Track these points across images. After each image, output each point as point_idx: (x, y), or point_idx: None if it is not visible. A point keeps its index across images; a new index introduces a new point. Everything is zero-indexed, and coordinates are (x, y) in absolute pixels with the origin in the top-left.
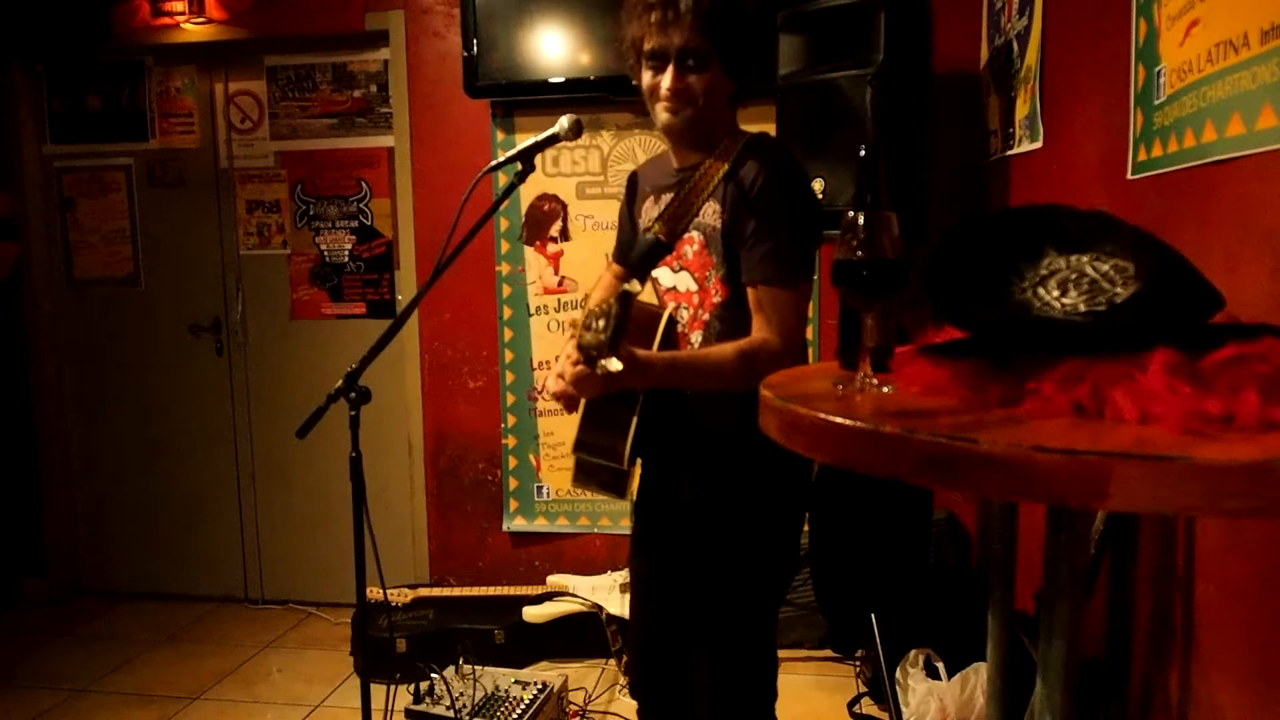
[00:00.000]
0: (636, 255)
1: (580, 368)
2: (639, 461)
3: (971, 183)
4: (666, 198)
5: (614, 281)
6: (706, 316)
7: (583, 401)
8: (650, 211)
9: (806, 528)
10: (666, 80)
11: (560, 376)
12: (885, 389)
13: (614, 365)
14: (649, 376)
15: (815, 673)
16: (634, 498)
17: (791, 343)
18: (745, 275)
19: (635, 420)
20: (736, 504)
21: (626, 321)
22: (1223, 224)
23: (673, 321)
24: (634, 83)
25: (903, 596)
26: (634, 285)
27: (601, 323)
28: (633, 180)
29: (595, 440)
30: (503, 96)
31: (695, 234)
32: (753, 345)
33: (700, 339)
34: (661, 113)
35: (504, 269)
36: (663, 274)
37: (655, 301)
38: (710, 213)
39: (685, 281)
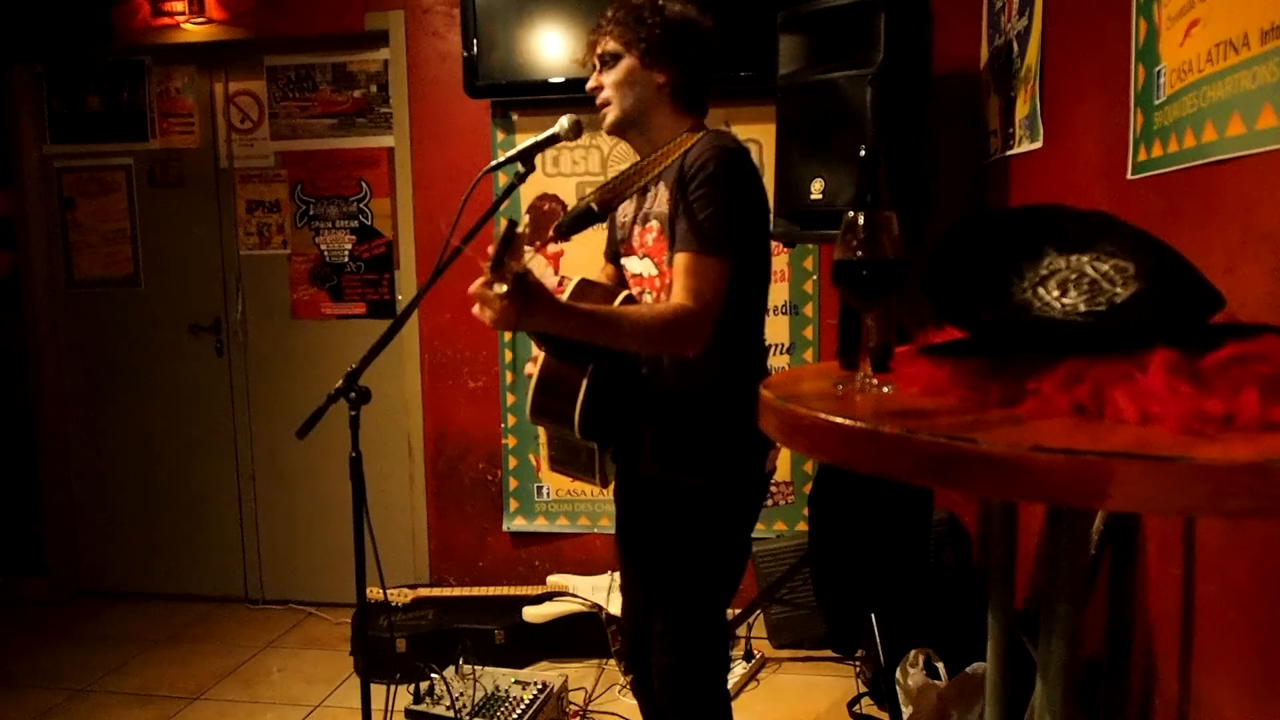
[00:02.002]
0: (567, 218)
1: (482, 288)
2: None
3: (971, 183)
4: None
5: (607, 281)
6: (665, 297)
7: (537, 368)
8: (627, 208)
9: (806, 527)
10: (589, 84)
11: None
12: (885, 389)
13: (499, 287)
14: (565, 321)
15: (815, 673)
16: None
17: (708, 310)
18: (675, 244)
19: (585, 384)
20: (692, 474)
21: (509, 245)
22: (1223, 224)
23: (630, 300)
24: None
25: (903, 596)
26: (523, 220)
27: (488, 257)
28: None
29: (548, 405)
30: (503, 96)
31: (654, 222)
32: (669, 309)
33: None
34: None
35: None
36: (630, 262)
37: (626, 288)
38: (663, 200)
39: (648, 268)
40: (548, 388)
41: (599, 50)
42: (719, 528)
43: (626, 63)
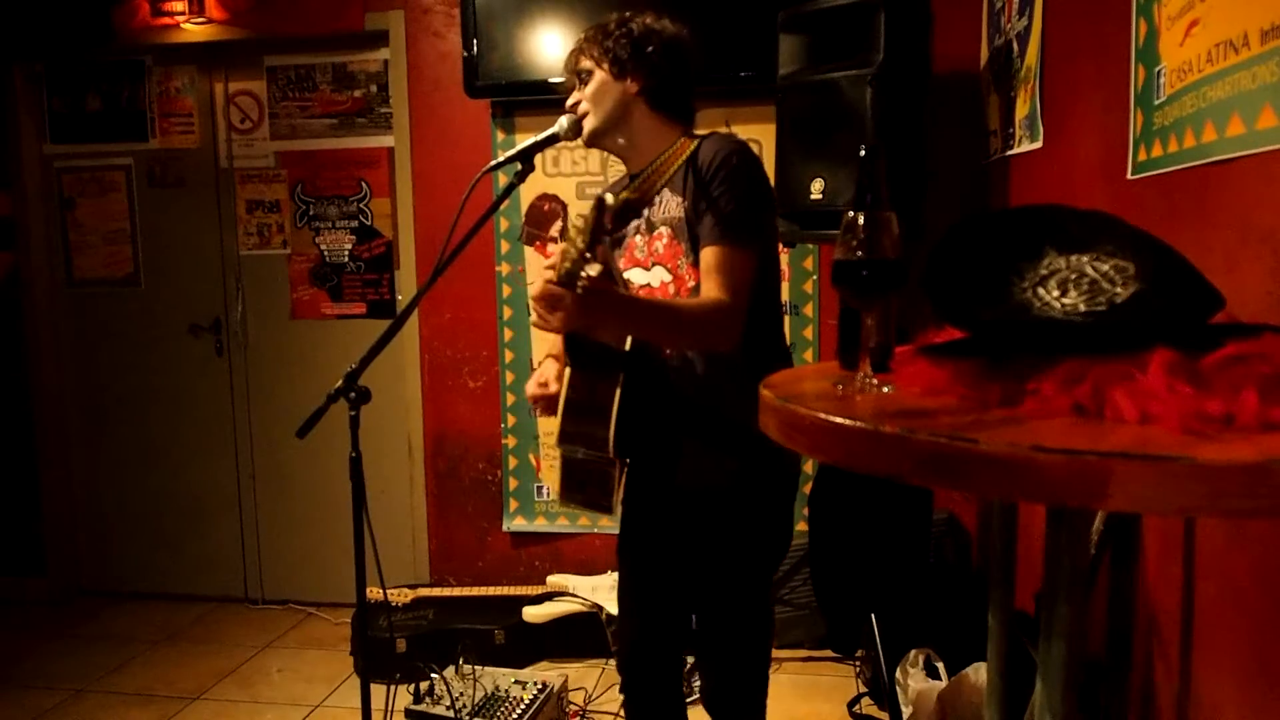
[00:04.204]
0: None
1: (553, 286)
2: (624, 470)
3: (971, 183)
4: (624, 196)
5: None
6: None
7: (563, 395)
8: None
9: (806, 527)
10: (569, 101)
11: (539, 388)
12: (885, 389)
13: (594, 269)
14: (631, 312)
15: (815, 673)
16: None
17: (742, 303)
18: (701, 240)
19: (617, 401)
20: (731, 485)
21: (602, 227)
22: (1223, 224)
23: None
24: None
25: (903, 596)
26: (608, 196)
27: (581, 239)
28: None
29: (579, 428)
30: (503, 96)
31: (664, 229)
32: (711, 303)
33: None
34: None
35: (504, 269)
36: (635, 274)
37: None
38: (674, 205)
39: (659, 275)
40: (578, 412)
41: (575, 69)
42: (767, 520)
43: (599, 76)
